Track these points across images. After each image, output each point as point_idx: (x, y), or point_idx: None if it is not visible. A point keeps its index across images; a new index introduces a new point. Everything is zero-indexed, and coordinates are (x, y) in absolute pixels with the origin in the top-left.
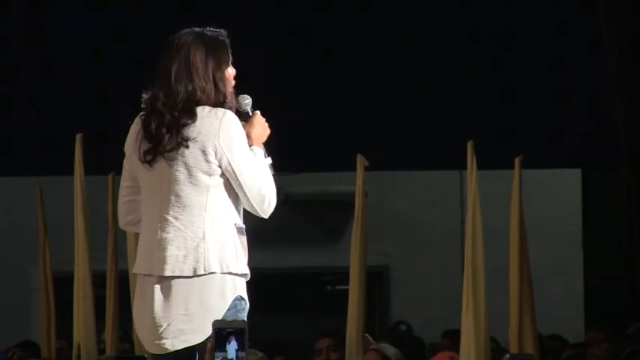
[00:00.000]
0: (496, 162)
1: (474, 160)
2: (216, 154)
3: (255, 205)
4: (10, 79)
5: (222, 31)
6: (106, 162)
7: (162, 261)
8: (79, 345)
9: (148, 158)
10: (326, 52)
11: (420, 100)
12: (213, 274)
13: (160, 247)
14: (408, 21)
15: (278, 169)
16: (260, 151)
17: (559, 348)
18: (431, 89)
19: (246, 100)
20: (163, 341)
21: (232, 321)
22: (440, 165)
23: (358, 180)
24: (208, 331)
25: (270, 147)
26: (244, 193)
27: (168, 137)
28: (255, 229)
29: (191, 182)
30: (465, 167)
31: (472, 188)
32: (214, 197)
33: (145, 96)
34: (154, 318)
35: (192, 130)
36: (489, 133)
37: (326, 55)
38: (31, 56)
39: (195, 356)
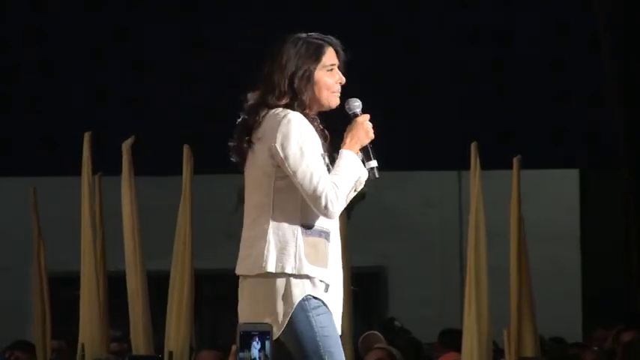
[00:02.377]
0: (494, 162)
1: (478, 161)
2: (274, 155)
3: (312, 206)
4: (8, 79)
5: (330, 38)
6: (95, 162)
7: (239, 260)
8: (82, 345)
9: (237, 157)
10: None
11: (419, 100)
12: (273, 275)
13: (240, 246)
14: (407, 21)
15: None
16: (347, 154)
17: (561, 351)
18: (430, 89)
19: (355, 103)
20: None
21: (257, 324)
22: (438, 165)
23: None
24: (275, 329)
25: None
26: (302, 193)
27: (244, 137)
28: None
29: (259, 183)
30: (462, 167)
31: (475, 189)
32: (280, 198)
33: (249, 94)
34: (241, 317)
35: (259, 131)
36: (488, 134)
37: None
38: (30, 56)
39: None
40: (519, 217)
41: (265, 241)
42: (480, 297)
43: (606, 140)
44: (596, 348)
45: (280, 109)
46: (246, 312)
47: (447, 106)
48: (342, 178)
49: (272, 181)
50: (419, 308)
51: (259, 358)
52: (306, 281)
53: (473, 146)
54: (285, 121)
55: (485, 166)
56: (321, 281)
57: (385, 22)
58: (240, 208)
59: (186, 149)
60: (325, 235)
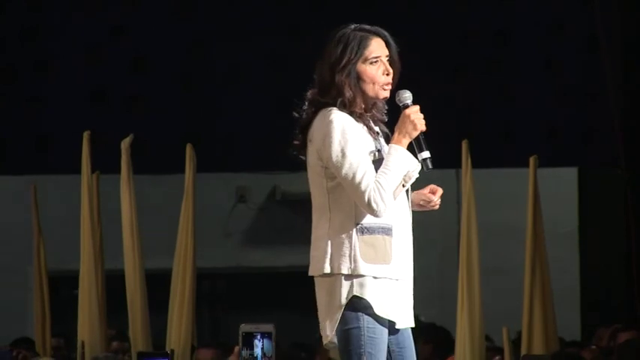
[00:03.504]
0: (492, 161)
1: (469, 159)
2: (321, 157)
3: (358, 203)
4: (6, 77)
5: (377, 29)
6: (95, 161)
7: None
8: (82, 342)
9: (301, 156)
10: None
11: (417, 98)
12: (330, 275)
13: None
14: (403, 20)
15: (273, 167)
16: (393, 148)
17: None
18: (429, 87)
19: (405, 95)
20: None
21: (260, 325)
22: (436, 163)
23: None
24: (328, 331)
25: (263, 144)
26: (348, 191)
27: (300, 138)
28: (253, 228)
29: (315, 184)
30: (460, 166)
31: (467, 187)
32: (334, 198)
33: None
34: None
35: (310, 132)
36: (485, 132)
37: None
38: (26, 55)
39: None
40: (535, 216)
41: (324, 243)
42: (472, 296)
43: (604, 138)
44: (594, 347)
45: (328, 108)
46: (319, 312)
47: (444, 105)
48: (388, 176)
49: (324, 181)
50: (417, 306)
51: (261, 358)
52: (361, 281)
53: (464, 144)
54: (327, 122)
55: (481, 164)
56: (383, 278)
57: (381, 21)
58: (238, 208)
59: (189, 148)
60: (386, 231)
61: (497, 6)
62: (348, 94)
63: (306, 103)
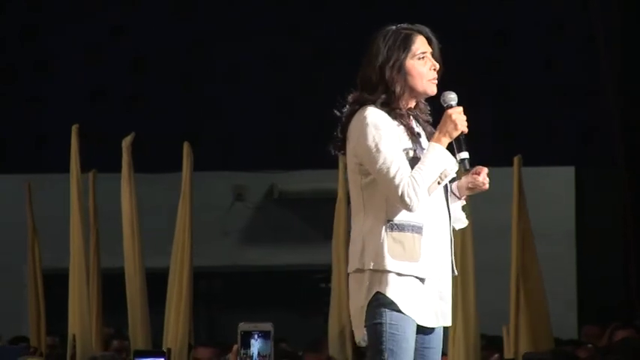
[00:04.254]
0: (489, 160)
1: None
2: (357, 154)
3: (393, 199)
4: (4, 78)
5: (419, 26)
6: (90, 159)
7: None
8: (74, 336)
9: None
10: (321, 51)
11: None
12: (359, 271)
13: None
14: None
15: (270, 166)
16: (432, 146)
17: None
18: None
19: (450, 96)
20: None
21: (258, 324)
22: None
23: (340, 178)
24: (360, 327)
25: (261, 143)
26: (382, 187)
27: (340, 138)
28: (250, 227)
29: (352, 182)
30: None
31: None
32: (368, 195)
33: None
34: None
35: (348, 130)
36: (482, 131)
37: (320, 54)
38: (26, 55)
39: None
40: (521, 215)
41: (358, 240)
42: (467, 295)
43: (602, 138)
44: (590, 345)
45: (365, 107)
46: (350, 309)
47: (440, 103)
48: (423, 172)
49: (359, 179)
50: None
51: (257, 357)
52: (385, 277)
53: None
54: (362, 118)
55: (480, 163)
56: (408, 275)
57: (378, 20)
58: (235, 206)
59: (186, 146)
60: (416, 229)
61: (496, 6)
62: (398, 90)
63: (349, 103)
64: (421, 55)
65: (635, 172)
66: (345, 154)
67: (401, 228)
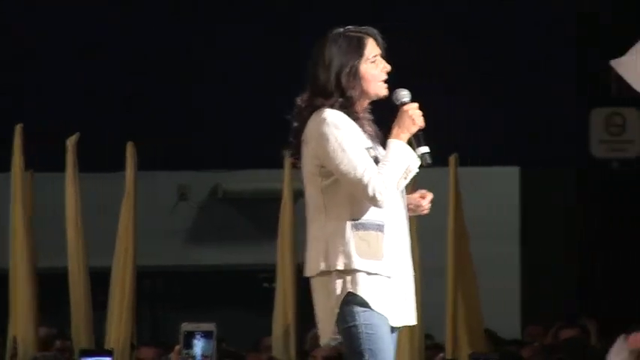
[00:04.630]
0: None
1: None
2: (318, 155)
3: (362, 197)
4: None
5: (368, 28)
6: (33, 158)
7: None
8: (14, 337)
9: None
10: (272, 51)
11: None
12: (325, 273)
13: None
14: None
15: (214, 166)
16: (393, 143)
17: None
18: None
19: (402, 93)
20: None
21: (201, 324)
22: None
23: (286, 178)
24: (328, 330)
25: (205, 143)
26: (348, 186)
27: (295, 143)
28: (194, 226)
29: (310, 184)
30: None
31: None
32: (329, 196)
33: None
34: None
35: (305, 133)
36: (427, 130)
37: (271, 54)
38: None
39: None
40: (458, 215)
41: (320, 242)
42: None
43: (548, 138)
44: (536, 344)
45: (321, 109)
46: (316, 312)
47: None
48: (388, 167)
49: (319, 180)
50: None
51: (200, 357)
52: (354, 277)
53: None
54: (321, 120)
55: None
56: (375, 274)
57: (354, 19)
58: (179, 206)
59: (129, 146)
60: (380, 227)
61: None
62: (354, 94)
63: (301, 107)
64: (373, 59)
65: (584, 172)
66: (299, 158)
67: (366, 227)
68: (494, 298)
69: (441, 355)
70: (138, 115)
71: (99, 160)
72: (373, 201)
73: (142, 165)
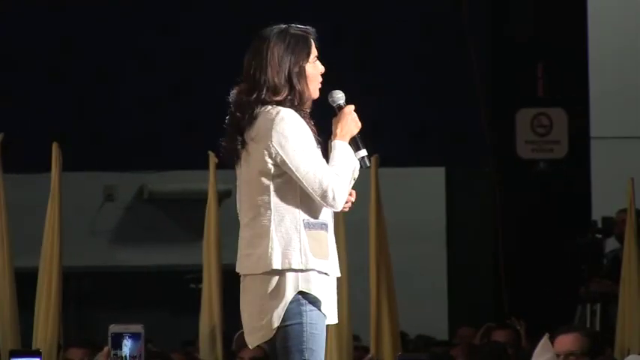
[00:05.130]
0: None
1: None
2: (271, 153)
3: (319, 199)
4: None
5: (309, 28)
6: None
7: (240, 260)
8: None
9: (231, 157)
10: (191, 51)
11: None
12: (276, 271)
13: (240, 246)
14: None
15: (140, 167)
16: (341, 144)
17: (425, 347)
18: None
19: (339, 95)
20: (247, 337)
21: (129, 325)
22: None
23: (211, 179)
24: (272, 327)
25: (131, 144)
26: (306, 188)
27: (236, 137)
28: (120, 227)
29: (256, 182)
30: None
31: None
32: (279, 195)
33: (232, 92)
34: (243, 315)
35: (252, 131)
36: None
37: (190, 54)
38: None
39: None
40: (378, 216)
41: (269, 239)
42: (340, 296)
43: (473, 138)
44: (461, 344)
45: (271, 106)
46: (248, 309)
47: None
48: (341, 169)
49: (270, 179)
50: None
51: (130, 357)
52: (306, 276)
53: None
54: (278, 119)
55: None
56: (324, 273)
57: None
58: (105, 206)
59: (54, 147)
60: (325, 227)
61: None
62: (305, 93)
63: (245, 101)
64: (315, 59)
65: (505, 173)
66: (235, 160)
67: (315, 226)
68: (422, 299)
69: (369, 356)
70: (64, 115)
71: (26, 162)
72: (332, 203)
73: (68, 166)
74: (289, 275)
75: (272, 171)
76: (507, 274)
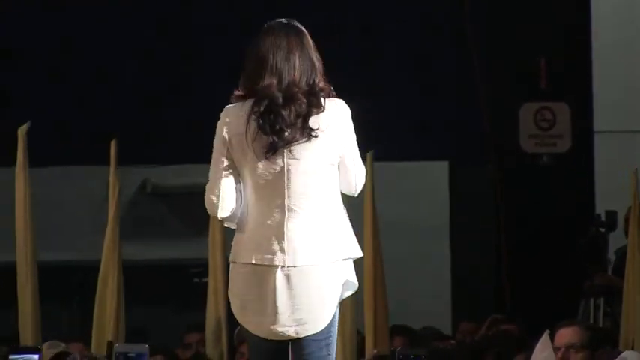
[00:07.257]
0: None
1: None
2: (345, 143)
3: (356, 188)
4: None
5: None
6: None
7: (298, 250)
8: None
9: (269, 151)
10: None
11: None
12: (340, 262)
13: (288, 238)
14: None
15: (144, 161)
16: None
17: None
18: None
19: None
20: (286, 328)
21: (134, 345)
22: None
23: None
24: (325, 318)
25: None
26: (353, 177)
27: (295, 128)
28: (123, 221)
29: (319, 172)
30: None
31: None
32: (335, 184)
33: (237, 92)
34: (276, 306)
35: (324, 120)
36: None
37: (189, 51)
38: None
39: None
40: (373, 212)
41: (333, 230)
42: None
43: (474, 134)
44: (453, 341)
45: (337, 98)
46: (306, 301)
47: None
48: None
49: (334, 169)
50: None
51: None
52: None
53: None
54: (346, 110)
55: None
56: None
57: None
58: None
59: (112, 144)
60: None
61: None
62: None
63: (315, 91)
64: None
65: (506, 170)
66: (293, 150)
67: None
68: (426, 295)
69: (375, 350)
70: (64, 108)
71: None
72: (359, 191)
73: (72, 161)
74: (350, 265)
75: (334, 161)
76: (509, 270)
